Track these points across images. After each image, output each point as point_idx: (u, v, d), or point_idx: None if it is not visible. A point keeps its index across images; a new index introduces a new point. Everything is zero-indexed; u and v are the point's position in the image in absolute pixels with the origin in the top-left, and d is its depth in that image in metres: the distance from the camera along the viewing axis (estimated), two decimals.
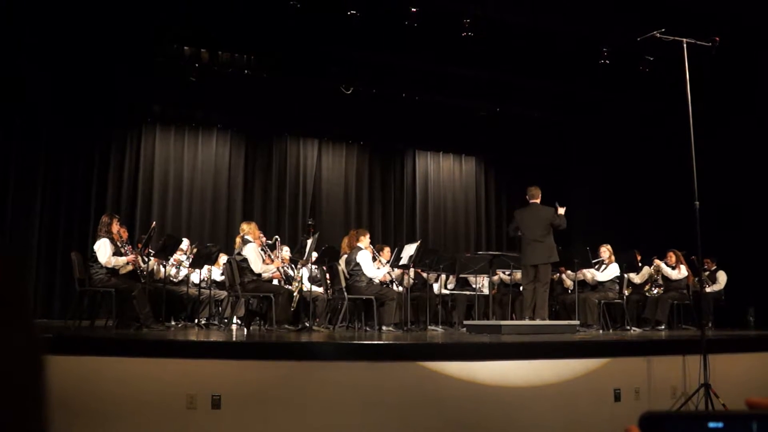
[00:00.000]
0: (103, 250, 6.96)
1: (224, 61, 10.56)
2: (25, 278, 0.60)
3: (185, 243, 9.01)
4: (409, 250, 8.34)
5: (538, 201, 7.93)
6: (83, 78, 10.12)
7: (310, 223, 9.20)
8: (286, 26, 9.36)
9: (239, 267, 7.53)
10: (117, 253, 7.08)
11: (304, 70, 10.64)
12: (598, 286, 8.86)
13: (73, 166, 10.69)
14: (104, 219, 7.29)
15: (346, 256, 8.39)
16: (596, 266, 8.90)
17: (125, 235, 7.56)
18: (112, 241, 7.08)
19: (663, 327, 8.83)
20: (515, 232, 8.01)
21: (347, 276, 8.05)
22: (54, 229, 10.37)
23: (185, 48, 10.21)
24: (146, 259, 7.76)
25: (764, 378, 5.95)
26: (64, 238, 10.32)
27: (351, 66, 10.62)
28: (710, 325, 8.96)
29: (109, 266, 6.96)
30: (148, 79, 10.39)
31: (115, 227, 7.23)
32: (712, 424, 0.61)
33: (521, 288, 8.04)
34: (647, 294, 9.36)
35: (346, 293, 7.92)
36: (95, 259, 6.98)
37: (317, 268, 8.68)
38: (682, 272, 9.07)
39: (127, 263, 7.16)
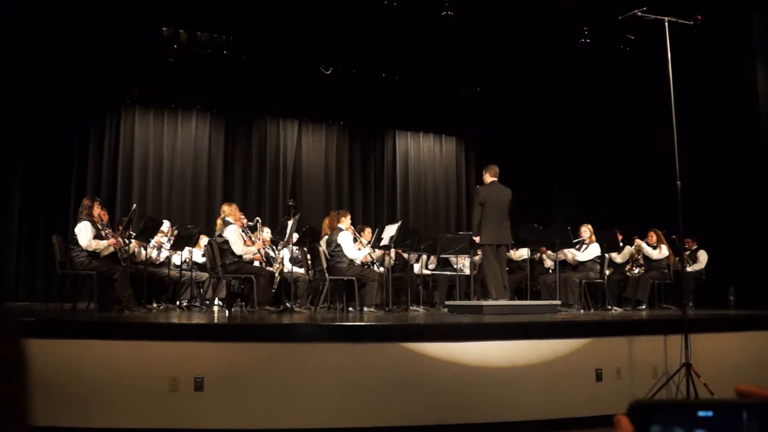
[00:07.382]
0: (84, 233, 6.92)
1: (203, 41, 10.41)
2: None
3: (166, 225, 8.94)
4: (390, 230, 8.34)
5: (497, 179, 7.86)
6: (61, 60, 9.95)
7: (290, 204, 9.17)
8: (264, 6, 9.25)
9: (220, 248, 7.50)
10: (98, 236, 7.03)
11: (283, 51, 10.53)
12: (579, 266, 8.90)
13: (52, 149, 10.57)
14: (85, 202, 7.24)
15: (326, 237, 8.37)
16: (577, 246, 8.93)
17: (106, 218, 7.50)
18: (93, 224, 7.03)
19: (644, 307, 8.90)
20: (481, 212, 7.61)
21: (328, 257, 8.04)
22: (34, 213, 10.29)
23: (163, 29, 10.06)
24: (127, 242, 7.70)
25: (744, 357, 5.97)
26: (44, 222, 10.23)
27: (330, 46, 10.52)
28: (691, 304, 9.00)
29: (90, 249, 6.92)
30: (126, 60, 10.26)
31: (97, 210, 7.18)
32: (701, 413, 0.60)
33: (487, 270, 7.60)
34: (628, 274, 9.42)
35: (327, 274, 7.91)
36: (76, 242, 6.94)
37: (298, 249, 8.66)
38: (663, 252, 9.11)
39: (109, 246, 7.11)
